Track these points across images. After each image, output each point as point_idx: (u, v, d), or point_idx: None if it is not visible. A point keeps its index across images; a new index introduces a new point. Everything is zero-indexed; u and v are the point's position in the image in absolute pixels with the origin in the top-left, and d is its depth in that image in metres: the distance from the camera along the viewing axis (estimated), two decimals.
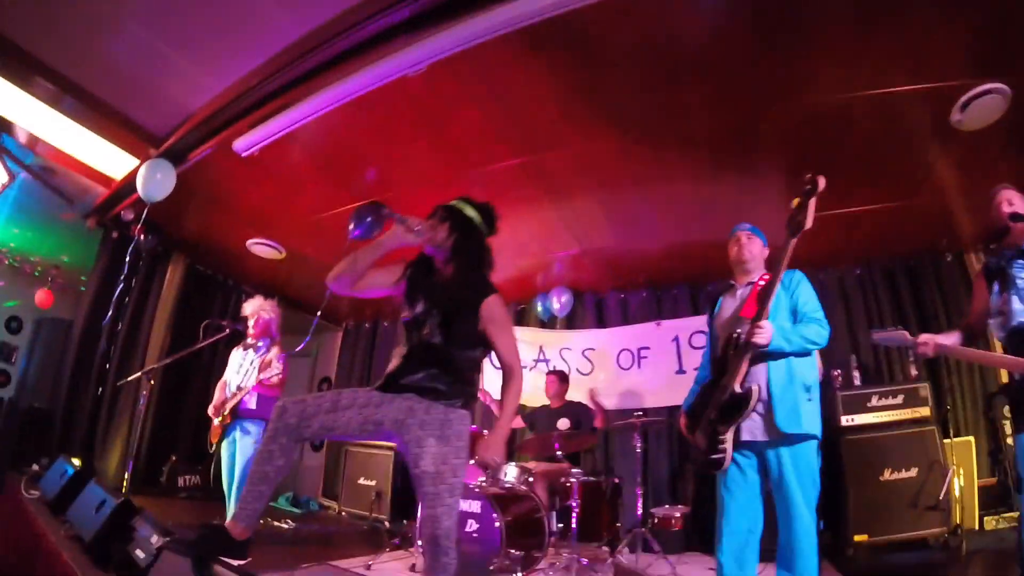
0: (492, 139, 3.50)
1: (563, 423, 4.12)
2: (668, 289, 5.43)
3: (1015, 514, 3.50)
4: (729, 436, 2.09)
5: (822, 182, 1.87)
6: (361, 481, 5.20)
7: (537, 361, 5.52)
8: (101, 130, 3.47)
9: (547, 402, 4.35)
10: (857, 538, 3.33)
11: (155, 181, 3.35)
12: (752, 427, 2.06)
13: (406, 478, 5.52)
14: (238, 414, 3.63)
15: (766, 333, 1.98)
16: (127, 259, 4.43)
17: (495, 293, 1.90)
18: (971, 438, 3.72)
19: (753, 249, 2.34)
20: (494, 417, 2.87)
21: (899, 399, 3.59)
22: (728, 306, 2.36)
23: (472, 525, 3.01)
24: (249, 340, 3.92)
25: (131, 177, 3.70)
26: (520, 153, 3.59)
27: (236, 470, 3.54)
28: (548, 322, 5.81)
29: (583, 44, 2.73)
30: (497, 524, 2.92)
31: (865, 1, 2.45)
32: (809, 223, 1.89)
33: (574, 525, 3.21)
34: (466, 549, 2.84)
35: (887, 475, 3.41)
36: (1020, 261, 2.12)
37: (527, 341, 5.61)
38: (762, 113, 3.14)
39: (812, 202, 1.88)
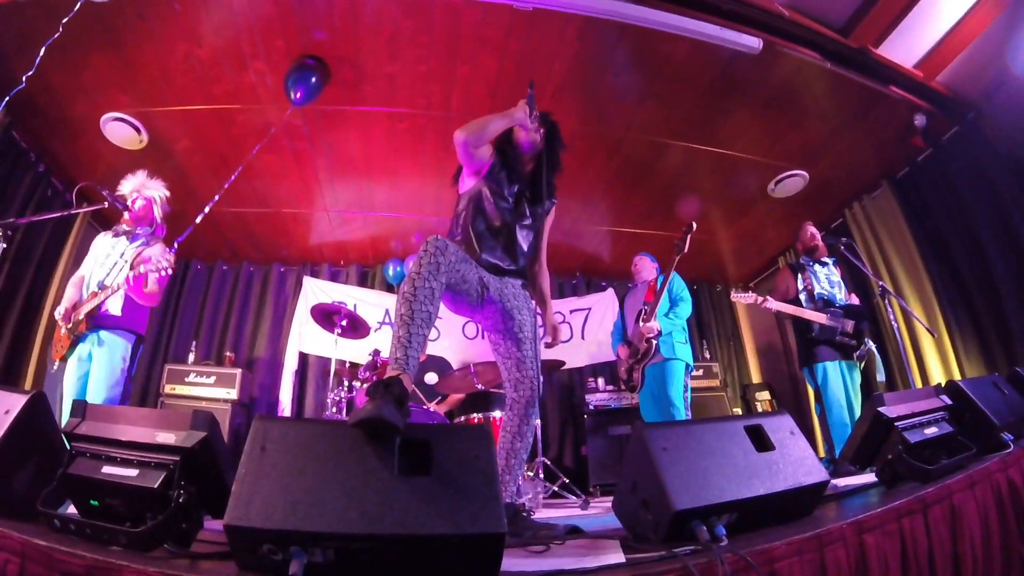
0: (487, 90, 3.69)
1: (431, 377, 4.28)
2: None
3: None
4: (639, 367, 3.57)
5: (695, 225, 3.31)
6: None
7: (382, 324, 5.50)
8: None
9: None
10: None
11: None
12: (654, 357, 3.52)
13: None
14: (96, 320, 2.74)
15: (654, 329, 3.41)
16: None
17: None
18: (739, 409, 5.46)
19: (644, 265, 3.93)
20: None
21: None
22: (633, 295, 3.86)
23: None
24: (123, 226, 3.02)
25: None
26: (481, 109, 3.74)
27: (94, 398, 2.59)
28: (396, 287, 5.81)
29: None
30: None
31: (720, 87, 3.68)
32: (686, 250, 3.38)
33: None
34: None
35: None
36: (815, 264, 3.68)
37: (372, 303, 5.59)
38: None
39: (689, 237, 3.35)
